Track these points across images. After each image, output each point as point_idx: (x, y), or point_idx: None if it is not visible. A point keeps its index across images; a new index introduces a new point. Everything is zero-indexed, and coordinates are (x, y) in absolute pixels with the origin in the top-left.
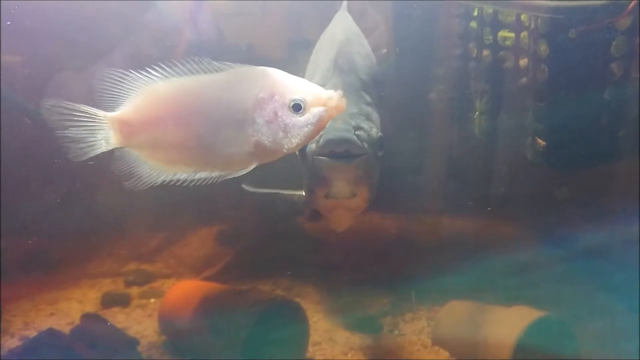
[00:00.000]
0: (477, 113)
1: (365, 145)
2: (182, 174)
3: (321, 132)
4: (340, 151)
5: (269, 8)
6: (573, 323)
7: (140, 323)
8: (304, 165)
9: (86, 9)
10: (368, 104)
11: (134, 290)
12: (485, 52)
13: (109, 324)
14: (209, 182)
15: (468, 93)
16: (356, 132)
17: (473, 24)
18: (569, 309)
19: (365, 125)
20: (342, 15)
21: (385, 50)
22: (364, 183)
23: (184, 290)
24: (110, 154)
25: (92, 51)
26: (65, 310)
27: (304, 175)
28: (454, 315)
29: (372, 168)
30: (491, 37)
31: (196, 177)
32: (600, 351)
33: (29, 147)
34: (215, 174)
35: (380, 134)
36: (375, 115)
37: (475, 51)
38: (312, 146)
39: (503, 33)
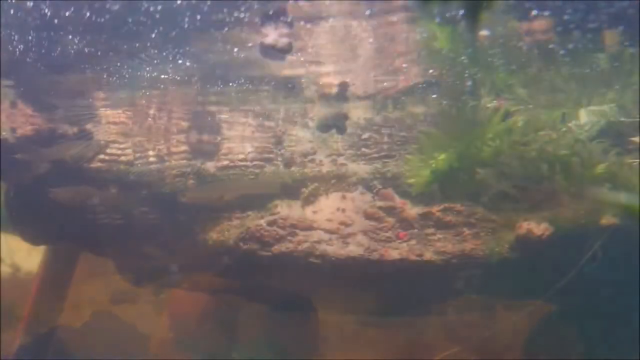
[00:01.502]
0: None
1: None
2: None
3: None
4: None
5: None
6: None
7: (150, 319)
8: None
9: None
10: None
11: (144, 287)
12: None
13: (119, 320)
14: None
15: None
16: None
17: None
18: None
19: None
20: None
21: None
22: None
23: (194, 286)
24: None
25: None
26: (76, 307)
27: None
28: (462, 310)
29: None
30: None
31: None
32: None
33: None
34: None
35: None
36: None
37: None
38: None
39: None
